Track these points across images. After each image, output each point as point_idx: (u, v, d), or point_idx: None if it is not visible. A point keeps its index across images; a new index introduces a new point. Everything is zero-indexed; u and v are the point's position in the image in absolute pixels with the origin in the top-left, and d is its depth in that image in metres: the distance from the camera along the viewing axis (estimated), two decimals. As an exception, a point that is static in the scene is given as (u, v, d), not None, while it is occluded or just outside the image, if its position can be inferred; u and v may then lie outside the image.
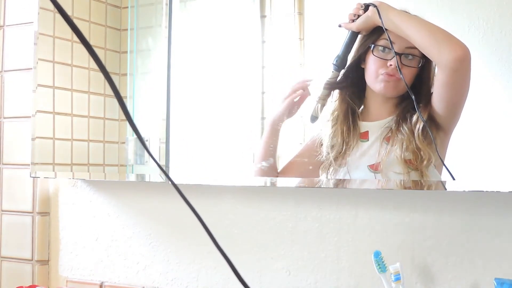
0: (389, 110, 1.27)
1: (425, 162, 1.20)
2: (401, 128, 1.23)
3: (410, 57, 1.22)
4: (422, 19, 1.20)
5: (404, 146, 1.22)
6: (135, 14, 1.59)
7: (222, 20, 1.49)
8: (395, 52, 1.21)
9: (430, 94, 1.21)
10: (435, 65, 1.21)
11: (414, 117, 1.22)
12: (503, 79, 1.20)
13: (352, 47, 1.27)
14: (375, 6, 1.22)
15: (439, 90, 1.19)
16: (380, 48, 1.24)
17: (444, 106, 1.20)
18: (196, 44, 1.51)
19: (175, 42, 1.50)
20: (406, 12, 1.22)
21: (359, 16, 1.25)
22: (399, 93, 1.25)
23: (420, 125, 1.21)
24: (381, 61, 1.24)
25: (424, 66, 1.22)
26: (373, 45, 1.25)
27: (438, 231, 1.24)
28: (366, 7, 1.24)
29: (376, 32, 1.24)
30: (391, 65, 1.22)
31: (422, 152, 1.20)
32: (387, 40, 1.22)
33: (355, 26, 1.26)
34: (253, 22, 1.44)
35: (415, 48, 1.21)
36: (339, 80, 1.30)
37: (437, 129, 1.21)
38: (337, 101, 1.31)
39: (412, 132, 1.21)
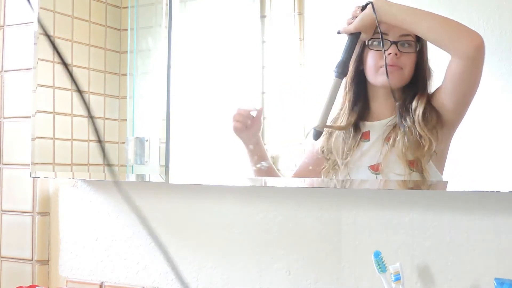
0: (391, 109, 1.26)
1: (425, 149, 1.19)
2: (403, 121, 1.22)
3: (406, 44, 1.23)
4: (427, 11, 1.19)
5: (406, 141, 1.21)
6: (135, 14, 1.59)
7: (222, 20, 1.49)
8: (390, 41, 1.22)
9: (426, 80, 1.22)
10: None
11: (414, 104, 1.22)
12: (503, 79, 1.20)
13: (353, 51, 1.25)
14: (371, 3, 1.22)
15: (452, 82, 1.18)
16: (376, 42, 1.24)
17: (455, 99, 1.19)
18: (196, 44, 1.51)
19: (175, 42, 1.49)
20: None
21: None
22: (402, 82, 1.24)
23: (420, 111, 1.20)
24: (379, 53, 1.24)
25: (421, 51, 1.23)
26: (368, 41, 1.25)
27: (438, 231, 1.24)
28: (364, 8, 1.24)
29: (370, 28, 1.24)
30: (390, 53, 1.22)
31: (422, 140, 1.20)
32: (382, 33, 1.22)
33: (353, 26, 1.24)
34: (253, 22, 1.44)
35: (409, 34, 1.22)
36: (346, 87, 1.29)
37: (442, 125, 1.20)
38: (345, 108, 1.30)
39: (413, 121, 1.21)
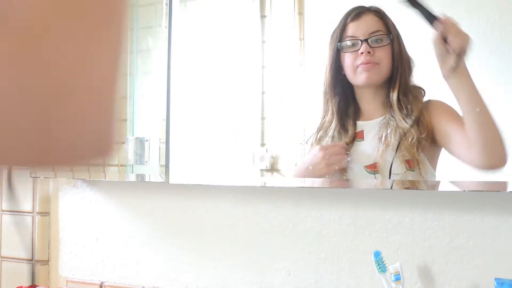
0: (383, 107, 1.27)
1: (409, 140, 1.20)
2: (390, 116, 1.24)
3: (379, 40, 1.24)
4: (486, 108, 1.14)
5: (397, 135, 1.22)
6: (135, 14, 1.59)
7: (222, 20, 1.49)
8: (360, 40, 1.24)
9: (399, 69, 1.23)
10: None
11: (390, 95, 1.24)
12: (503, 79, 1.20)
13: (423, 14, 1.19)
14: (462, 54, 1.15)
15: (458, 149, 1.19)
16: (348, 44, 1.26)
17: (452, 150, 1.20)
18: (196, 44, 1.51)
19: (175, 42, 1.50)
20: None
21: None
22: (382, 77, 1.25)
23: (394, 99, 1.22)
24: (353, 54, 1.26)
25: (394, 42, 1.24)
26: (339, 44, 1.27)
27: (438, 231, 1.24)
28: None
29: (336, 31, 1.27)
30: (362, 53, 1.23)
31: (408, 131, 1.21)
32: (351, 36, 1.25)
33: (455, 29, 1.16)
34: (253, 22, 1.44)
35: (379, 30, 1.24)
36: (327, 95, 1.30)
37: (432, 142, 1.21)
38: (329, 115, 1.30)
39: (395, 113, 1.23)
